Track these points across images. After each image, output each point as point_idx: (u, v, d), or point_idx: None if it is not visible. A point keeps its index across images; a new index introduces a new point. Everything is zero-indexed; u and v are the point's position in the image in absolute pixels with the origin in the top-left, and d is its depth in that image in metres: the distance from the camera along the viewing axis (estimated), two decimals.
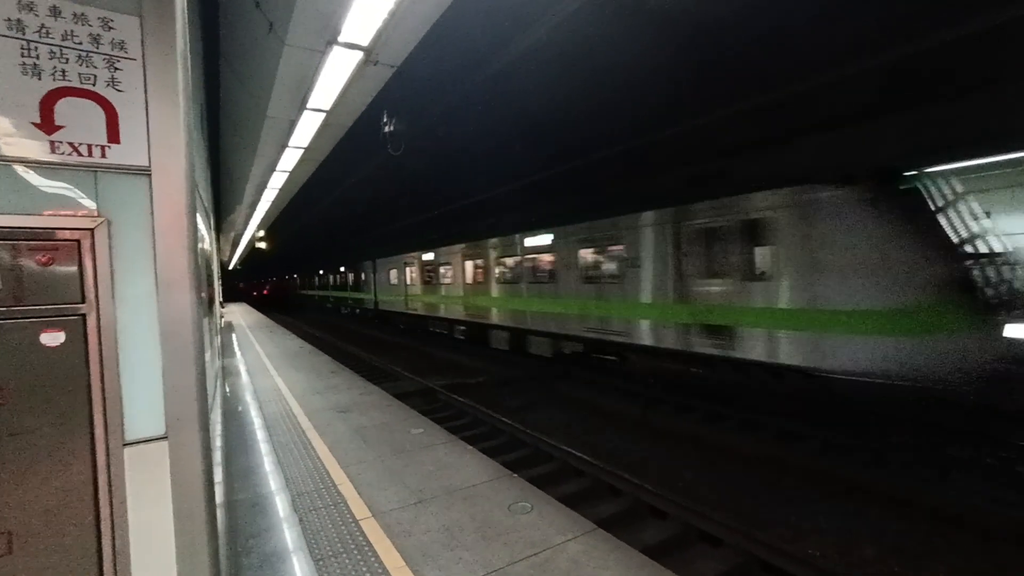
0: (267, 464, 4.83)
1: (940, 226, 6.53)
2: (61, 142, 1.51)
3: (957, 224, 6.65)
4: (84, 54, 1.54)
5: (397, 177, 13.65)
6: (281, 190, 10.03)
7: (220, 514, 2.31)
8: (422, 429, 5.76)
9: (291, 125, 5.80)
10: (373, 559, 3.15)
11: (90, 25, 1.55)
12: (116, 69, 1.57)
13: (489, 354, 14.33)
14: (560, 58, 6.60)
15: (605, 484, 5.59)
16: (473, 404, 8.74)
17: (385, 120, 7.99)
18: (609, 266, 9.94)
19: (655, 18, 5.70)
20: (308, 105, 5.09)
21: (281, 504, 3.96)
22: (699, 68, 6.84)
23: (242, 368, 10.21)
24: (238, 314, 27.09)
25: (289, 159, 7.39)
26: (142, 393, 1.62)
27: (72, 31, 1.52)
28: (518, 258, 12.76)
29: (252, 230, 18.08)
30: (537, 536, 3.36)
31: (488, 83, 7.39)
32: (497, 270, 13.73)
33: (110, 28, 1.57)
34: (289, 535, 3.49)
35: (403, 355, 15.92)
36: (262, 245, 25.84)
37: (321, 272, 38.19)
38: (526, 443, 6.99)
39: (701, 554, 4.39)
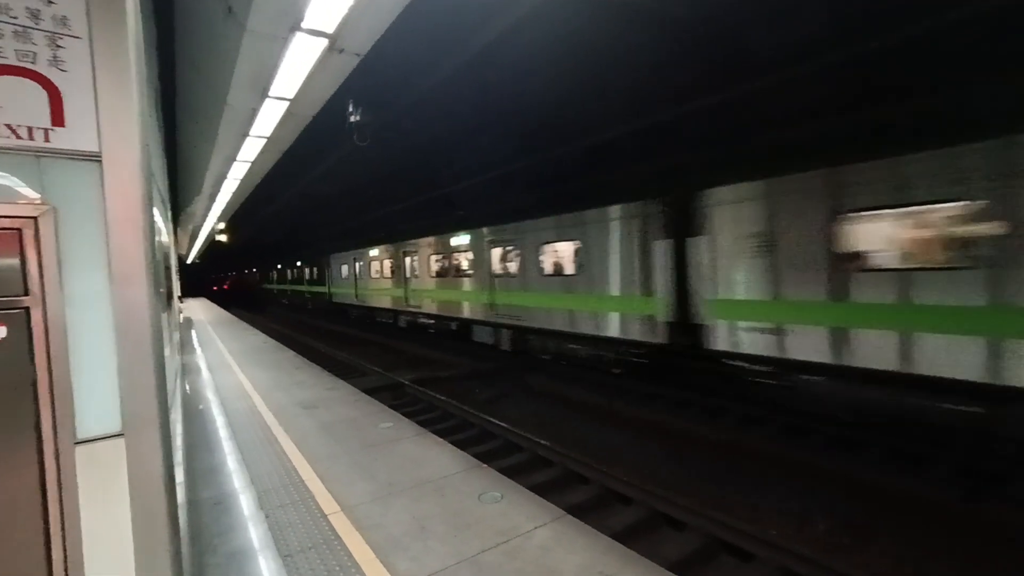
0: (231, 462, 4.69)
1: None
2: None
3: None
4: (21, 29, 1.44)
5: (363, 170, 13.40)
6: (242, 181, 9.68)
7: (182, 514, 2.23)
8: (391, 423, 5.71)
9: (252, 114, 5.59)
10: (342, 552, 3.12)
11: None
12: (59, 47, 1.48)
13: (457, 347, 14.29)
14: (533, 46, 6.59)
15: (573, 473, 5.68)
16: (443, 398, 8.71)
17: (351, 110, 7.82)
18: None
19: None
20: (270, 93, 4.93)
21: (246, 502, 3.86)
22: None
23: (203, 365, 9.86)
24: (198, 310, 26.09)
25: (250, 149, 7.14)
26: (95, 390, 1.54)
27: (7, 4, 1.43)
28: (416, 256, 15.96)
29: (212, 223, 17.40)
30: (507, 524, 3.40)
31: (457, 74, 7.31)
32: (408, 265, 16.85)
33: (50, 2, 1.47)
34: (255, 532, 3.41)
35: (371, 350, 15.69)
36: (222, 238, 24.96)
37: (280, 266, 38.15)
38: (496, 435, 7.02)
39: (666, 537, 4.54)
